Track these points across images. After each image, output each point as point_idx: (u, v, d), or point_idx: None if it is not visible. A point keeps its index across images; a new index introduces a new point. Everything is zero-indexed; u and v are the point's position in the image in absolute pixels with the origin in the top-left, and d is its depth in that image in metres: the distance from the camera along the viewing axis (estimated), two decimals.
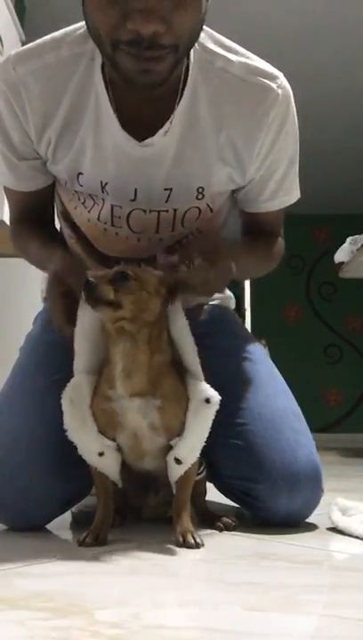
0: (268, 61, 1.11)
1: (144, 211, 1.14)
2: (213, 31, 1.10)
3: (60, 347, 1.20)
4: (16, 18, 2.49)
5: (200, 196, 1.14)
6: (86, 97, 1.08)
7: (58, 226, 1.33)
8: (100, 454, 1.02)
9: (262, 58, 1.11)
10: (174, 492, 1.04)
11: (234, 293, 1.47)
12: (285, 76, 1.12)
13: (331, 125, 4.36)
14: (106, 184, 1.12)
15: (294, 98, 1.14)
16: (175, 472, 1.02)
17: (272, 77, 1.10)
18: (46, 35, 1.07)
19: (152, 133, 1.07)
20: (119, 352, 0.97)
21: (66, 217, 1.24)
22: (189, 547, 0.97)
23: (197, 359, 1.03)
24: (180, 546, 0.98)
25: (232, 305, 1.42)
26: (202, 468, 1.12)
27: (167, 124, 1.07)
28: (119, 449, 1.03)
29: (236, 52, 1.09)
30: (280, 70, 1.12)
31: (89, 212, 1.17)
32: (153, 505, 1.14)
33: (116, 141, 1.08)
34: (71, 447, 1.06)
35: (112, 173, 1.11)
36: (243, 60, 1.09)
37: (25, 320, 1.40)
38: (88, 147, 1.10)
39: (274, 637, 0.63)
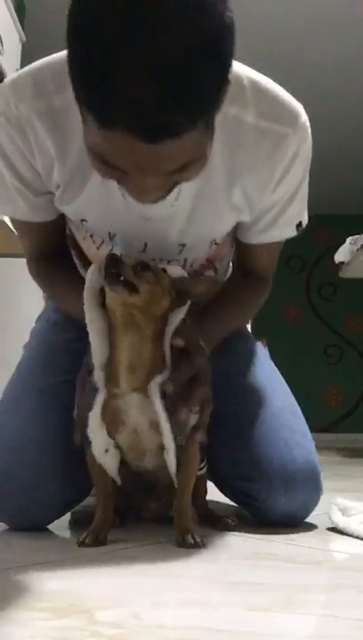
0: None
1: (154, 259, 1.10)
2: None
3: (65, 348, 1.20)
4: (16, 18, 2.49)
5: (212, 245, 1.13)
6: None
7: None
8: (106, 451, 1.02)
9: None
10: (176, 485, 1.03)
11: None
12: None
13: (331, 126, 4.36)
14: (114, 235, 1.09)
15: (295, 98, 1.09)
16: (168, 463, 1.01)
17: (290, 120, 1.00)
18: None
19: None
20: (125, 346, 0.97)
21: (73, 243, 1.20)
22: (189, 547, 0.97)
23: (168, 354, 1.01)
24: (180, 546, 0.98)
25: None
26: (203, 464, 1.12)
27: (177, 187, 0.95)
28: (117, 447, 1.03)
29: (252, 92, 0.98)
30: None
31: (98, 248, 1.13)
32: (154, 508, 1.14)
33: (125, 198, 0.98)
34: (74, 448, 1.07)
35: (121, 228, 1.07)
36: (258, 102, 0.98)
37: (25, 320, 1.40)
38: (95, 199, 1.03)
39: (274, 637, 0.63)
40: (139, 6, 0.68)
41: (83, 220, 1.09)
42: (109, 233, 1.09)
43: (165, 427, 0.97)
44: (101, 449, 1.01)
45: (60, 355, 1.20)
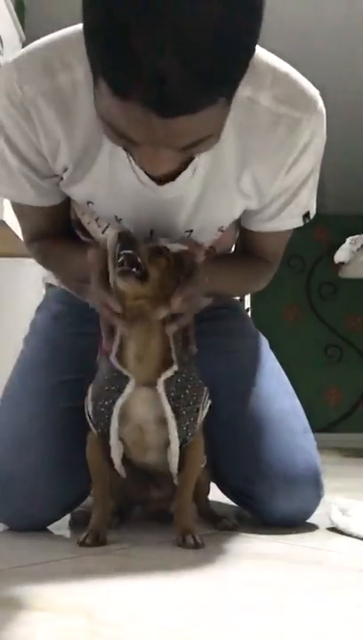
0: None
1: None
2: None
3: (68, 346, 1.19)
4: (16, 18, 2.49)
5: (219, 232, 1.11)
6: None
7: None
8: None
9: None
10: (176, 482, 1.03)
11: None
12: None
13: (331, 125, 4.35)
14: (121, 220, 1.05)
15: None
16: (170, 459, 1.01)
17: (306, 105, 0.97)
18: (46, 34, 0.99)
19: (173, 175, 0.96)
20: (134, 335, 0.96)
21: (78, 226, 1.17)
22: (189, 547, 0.97)
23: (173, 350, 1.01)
24: (180, 546, 0.98)
25: (242, 307, 1.39)
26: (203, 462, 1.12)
27: (191, 167, 0.95)
28: (121, 440, 1.02)
29: (267, 74, 0.95)
30: None
31: (103, 231, 1.10)
32: (156, 499, 1.13)
33: (133, 181, 0.97)
34: (77, 450, 1.06)
35: (127, 212, 1.04)
36: (275, 85, 0.95)
37: (25, 319, 1.40)
38: (102, 182, 1.00)
39: (274, 637, 0.63)
40: None
41: (89, 202, 1.05)
42: (116, 217, 1.05)
43: (171, 423, 0.97)
44: (115, 439, 1.00)
45: (63, 353, 1.19)
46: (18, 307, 1.26)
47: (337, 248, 3.40)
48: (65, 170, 1.01)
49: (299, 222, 1.12)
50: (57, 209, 1.11)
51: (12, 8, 2.44)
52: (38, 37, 0.98)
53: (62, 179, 1.03)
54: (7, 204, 1.29)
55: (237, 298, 1.41)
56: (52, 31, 0.97)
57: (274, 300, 5.72)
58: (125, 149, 0.86)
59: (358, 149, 4.83)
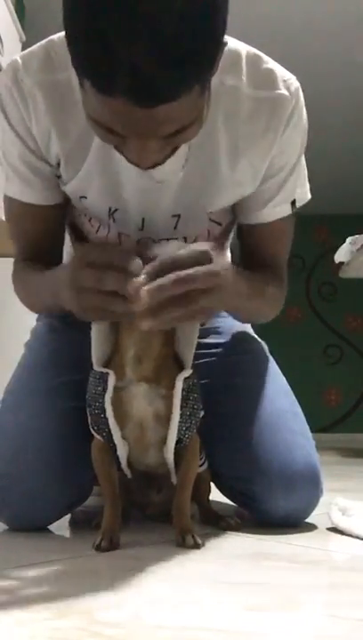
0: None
1: (153, 240, 1.10)
2: None
3: (67, 349, 1.20)
4: (16, 18, 2.49)
5: (213, 224, 1.12)
6: None
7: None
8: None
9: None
10: (174, 481, 1.03)
11: None
12: None
13: (331, 125, 4.36)
14: (115, 210, 1.09)
15: None
16: (167, 457, 1.01)
17: (283, 85, 1.03)
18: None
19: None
20: (133, 337, 0.97)
21: (74, 229, 1.16)
22: (189, 547, 0.97)
23: (193, 348, 1.02)
24: (179, 546, 0.98)
25: None
26: (202, 461, 1.12)
27: (180, 149, 0.97)
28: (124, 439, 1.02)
29: (247, 64, 1.02)
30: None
31: (97, 232, 1.14)
32: (157, 502, 1.14)
33: (124, 168, 1.01)
34: (78, 450, 1.07)
35: (121, 201, 1.08)
36: (251, 72, 1.02)
37: (26, 319, 1.40)
38: (95, 173, 1.06)
39: (274, 637, 0.63)
40: None
41: (82, 197, 1.09)
42: (109, 209, 1.09)
43: (174, 420, 0.98)
44: (119, 437, 1.00)
45: (62, 356, 1.20)
46: (18, 307, 1.26)
47: (337, 248, 3.41)
48: (58, 163, 1.07)
49: (287, 210, 1.15)
50: (56, 212, 1.14)
51: (12, 8, 2.45)
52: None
53: (59, 172, 1.08)
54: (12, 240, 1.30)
55: None
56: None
57: None
58: (116, 148, 0.89)
59: (357, 149, 4.83)
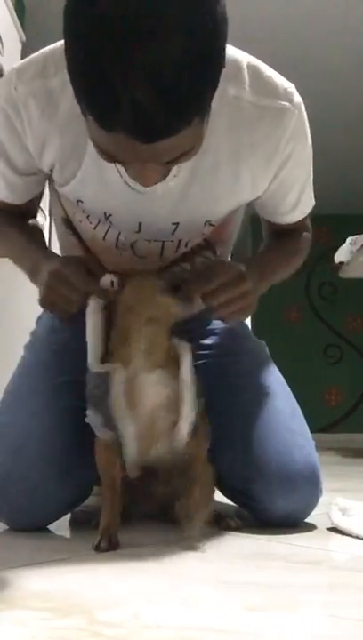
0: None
1: (149, 240, 1.14)
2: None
3: (66, 349, 1.20)
4: (16, 18, 2.49)
5: (207, 229, 1.15)
6: None
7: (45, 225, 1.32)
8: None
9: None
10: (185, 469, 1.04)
11: None
12: (284, 76, 1.10)
13: (331, 125, 4.36)
14: (110, 215, 1.11)
15: None
16: (181, 430, 1.01)
17: (285, 95, 1.05)
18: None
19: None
20: (143, 336, 0.99)
21: (69, 225, 1.21)
22: (228, 528, 1.06)
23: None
24: (220, 527, 1.05)
25: None
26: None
27: (176, 169, 0.99)
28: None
29: (248, 73, 1.03)
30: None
31: (95, 228, 1.15)
32: (159, 494, 1.13)
33: (118, 177, 1.03)
34: (78, 449, 1.07)
35: (116, 207, 1.10)
36: (252, 81, 1.03)
37: (25, 319, 1.40)
38: (90, 180, 1.07)
39: (274, 637, 0.63)
40: (136, 15, 0.71)
41: (79, 201, 1.11)
42: (105, 213, 1.11)
43: (188, 393, 0.99)
44: (131, 430, 1.00)
45: (63, 356, 1.20)
46: (19, 307, 1.27)
47: (337, 248, 3.41)
48: (52, 168, 1.09)
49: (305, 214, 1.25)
50: (24, 205, 1.21)
51: (12, 8, 2.44)
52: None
53: (52, 177, 1.11)
54: None
55: None
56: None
57: (274, 299, 5.73)
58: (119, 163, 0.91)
59: (357, 149, 4.83)
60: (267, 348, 1.34)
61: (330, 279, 5.59)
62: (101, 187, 1.06)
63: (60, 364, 1.19)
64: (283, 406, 1.20)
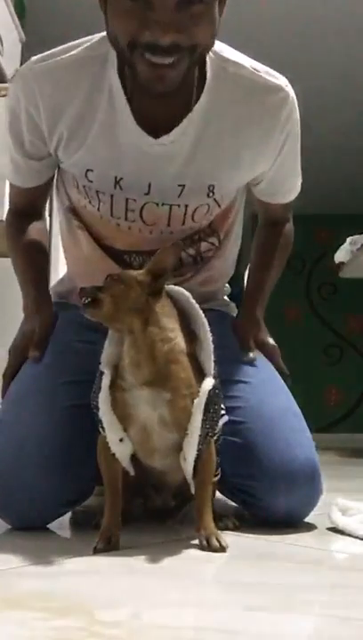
0: (266, 61, 1.16)
1: (157, 204, 1.19)
2: (222, 43, 1.16)
3: (68, 349, 1.21)
4: (16, 18, 2.48)
5: (211, 194, 1.21)
6: (99, 95, 1.14)
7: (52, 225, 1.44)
8: (120, 440, 1.00)
9: (260, 59, 1.17)
10: (193, 491, 1.03)
11: (234, 293, 1.46)
12: (284, 75, 1.18)
13: (331, 125, 4.36)
14: (121, 179, 1.17)
15: (296, 99, 1.20)
16: (186, 469, 1.00)
17: (282, 79, 1.18)
18: (47, 34, 1.09)
19: (167, 131, 1.13)
20: (126, 344, 0.99)
21: (75, 213, 1.27)
22: (214, 550, 0.95)
23: (212, 355, 1.02)
24: (204, 549, 0.95)
25: (233, 312, 1.42)
26: (218, 470, 1.11)
27: (185, 122, 1.13)
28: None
29: (246, 61, 1.17)
30: (280, 70, 1.16)
31: (98, 209, 1.21)
32: (159, 502, 1.13)
33: (131, 139, 1.14)
34: (78, 448, 1.07)
35: (126, 169, 1.16)
36: (252, 64, 1.16)
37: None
38: (101, 145, 1.15)
39: (274, 637, 0.63)
40: None
41: (88, 171, 1.17)
42: (116, 177, 1.17)
43: (195, 434, 0.97)
44: (116, 437, 1.00)
45: (64, 357, 1.21)
46: (18, 308, 1.27)
47: (337, 248, 3.41)
48: (60, 141, 1.17)
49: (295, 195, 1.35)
50: (33, 192, 1.30)
51: (12, 8, 2.44)
52: (38, 37, 1.07)
53: (58, 156, 1.20)
54: (6, 204, 1.35)
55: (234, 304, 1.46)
56: (53, 31, 1.05)
57: (274, 299, 5.73)
58: (131, 55, 1.02)
59: (357, 149, 4.83)
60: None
61: (330, 279, 5.58)
62: (113, 150, 1.15)
63: (63, 365, 1.19)
64: (284, 405, 1.21)
